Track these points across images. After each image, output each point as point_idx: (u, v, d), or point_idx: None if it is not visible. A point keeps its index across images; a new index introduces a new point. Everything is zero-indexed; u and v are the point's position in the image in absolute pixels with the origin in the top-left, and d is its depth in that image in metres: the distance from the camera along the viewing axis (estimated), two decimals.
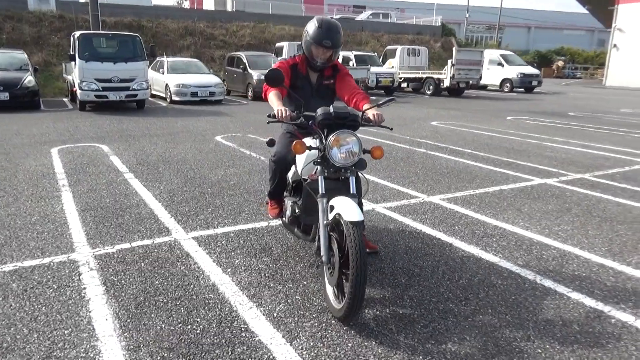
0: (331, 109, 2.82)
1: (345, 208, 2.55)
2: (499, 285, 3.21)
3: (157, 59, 16.54)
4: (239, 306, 2.86)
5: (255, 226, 4.24)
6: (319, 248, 2.78)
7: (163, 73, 15.84)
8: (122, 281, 3.16)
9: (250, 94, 16.88)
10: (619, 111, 15.84)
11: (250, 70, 16.78)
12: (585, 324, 2.77)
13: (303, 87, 3.35)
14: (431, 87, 20.78)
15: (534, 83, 23.82)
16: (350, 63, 20.27)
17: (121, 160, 6.79)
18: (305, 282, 3.18)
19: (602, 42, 70.44)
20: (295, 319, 2.74)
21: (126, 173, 6.08)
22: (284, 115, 2.90)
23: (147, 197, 5.03)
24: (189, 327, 2.63)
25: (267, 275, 3.28)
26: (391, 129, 3.19)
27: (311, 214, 3.02)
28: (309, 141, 3.09)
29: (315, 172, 2.95)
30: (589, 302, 3.02)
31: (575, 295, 3.10)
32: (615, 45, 34.83)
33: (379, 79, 19.53)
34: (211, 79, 15.79)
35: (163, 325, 2.64)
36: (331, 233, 2.73)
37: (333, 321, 2.72)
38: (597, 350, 2.51)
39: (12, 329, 2.59)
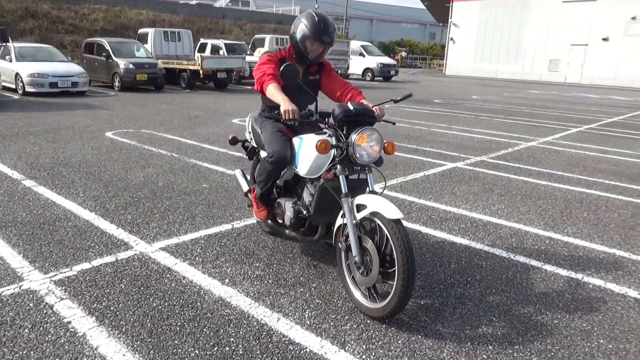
0: (350, 105, 2.75)
1: (382, 206, 2.52)
2: (485, 266, 3.47)
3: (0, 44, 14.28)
4: (266, 318, 2.68)
5: (220, 230, 3.97)
6: (329, 247, 2.71)
7: (10, 61, 13.74)
8: (112, 308, 2.74)
9: (117, 84, 15.49)
10: (472, 98, 17.82)
11: (115, 59, 15.39)
12: (573, 292, 3.12)
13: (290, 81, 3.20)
14: None
15: (392, 72, 25.63)
16: (221, 52, 19.72)
17: (7, 166, 5.79)
18: (314, 285, 3.09)
19: (433, 35, 78.33)
20: (331, 323, 2.66)
21: (25, 180, 5.21)
22: (292, 115, 2.75)
23: (72, 207, 4.39)
24: (227, 349, 2.40)
25: (270, 282, 3.11)
26: (394, 124, 3.21)
27: (324, 214, 2.94)
28: (311, 137, 2.97)
29: (330, 171, 2.86)
30: (562, 272, 3.42)
31: (548, 268, 3.48)
32: (452, 39, 38.96)
33: (252, 68, 19.23)
34: (72, 67, 14.13)
35: (197, 352, 2.37)
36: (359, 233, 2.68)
37: (367, 320, 2.69)
38: (597, 314, 2.86)
39: None
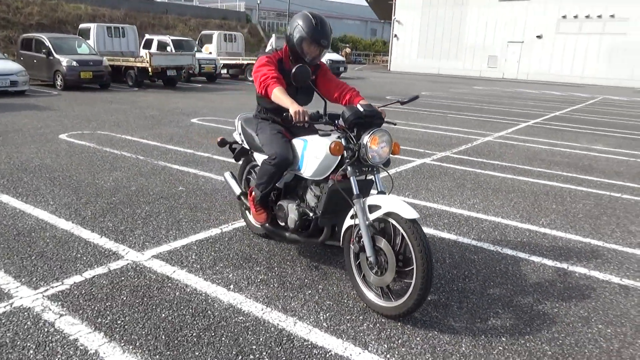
0: (359, 107, 2.77)
1: (397, 207, 2.56)
2: (478, 260, 3.59)
3: None
4: (282, 323, 2.66)
5: (210, 234, 3.89)
6: (336, 247, 2.73)
7: None
8: (119, 321, 2.63)
9: (59, 82, 14.71)
10: (422, 94, 18.28)
11: (57, 56, 14.60)
12: (563, 281, 3.30)
13: (288, 83, 3.18)
14: None
15: (341, 69, 25.83)
16: (168, 48, 19.16)
17: None
18: (320, 286, 3.09)
19: (374, 31, 79.69)
20: (347, 324, 2.68)
21: None
22: (302, 118, 2.74)
23: (45, 216, 4.15)
24: (252, 357, 2.37)
25: (276, 285, 3.09)
26: (395, 125, 3.25)
27: (331, 215, 2.95)
28: (317, 139, 2.97)
29: (336, 173, 2.87)
30: (549, 262, 3.60)
31: (535, 259, 3.65)
32: (395, 36, 39.77)
33: (202, 66, 18.88)
34: (10, 65, 13.28)
35: None
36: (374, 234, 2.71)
37: (382, 319, 2.73)
38: (589, 301, 3.05)
39: None
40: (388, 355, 2.41)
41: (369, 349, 2.46)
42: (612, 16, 29.58)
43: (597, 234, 4.23)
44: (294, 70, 2.71)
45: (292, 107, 2.78)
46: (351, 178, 2.77)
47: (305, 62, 3.15)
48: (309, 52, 3.10)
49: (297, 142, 3.13)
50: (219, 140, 3.86)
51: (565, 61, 31.88)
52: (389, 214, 2.60)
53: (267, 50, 17.12)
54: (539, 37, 32.66)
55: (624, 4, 28.83)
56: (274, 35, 20.73)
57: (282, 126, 3.30)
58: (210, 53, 21.37)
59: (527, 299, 3.04)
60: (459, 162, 6.87)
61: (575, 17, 31.03)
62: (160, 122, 9.44)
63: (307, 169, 2.99)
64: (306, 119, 2.73)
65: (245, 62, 21.28)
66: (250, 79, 20.60)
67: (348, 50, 55.53)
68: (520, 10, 33.11)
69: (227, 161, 6.32)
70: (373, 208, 2.68)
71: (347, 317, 2.74)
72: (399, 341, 2.53)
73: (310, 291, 3.02)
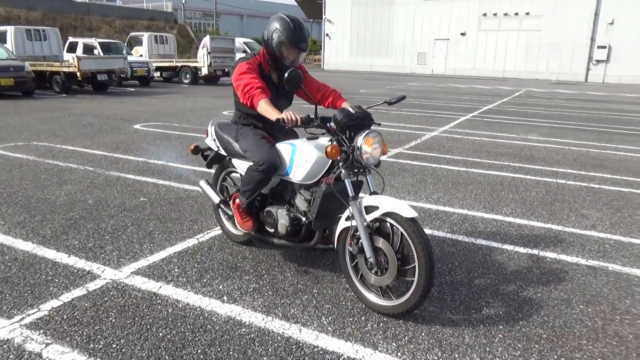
0: (350, 109, 2.78)
1: (396, 206, 2.60)
2: (457, 252, 3.72)
3: None
4: (287, 331, 2.62)
5: (188, 245, 3.76)
6: (328, 250, 2.75)
7: None
8: (114, 345, 2.49)
9: None
10: (360, 91, 18.60)
11: None
12: (538, 267, 3.49)
13: (268, 87, 3.13)
14: (188, 75, 20.37)
15: None
16: (95, 52, 18.25)
17: None
18: (315, 290, 3.08)
19: None
20: (352, 326, 2.69)
21: None
22: (293, 119, 2.71)
23: None
24: None
25: (270, 293, 3.04)
26: (379, 125, 3.28)
27: (324, 219, 2.94)
28: (306, 143, 2.96)
29: (328, 176, 2.87)
30: (521, 250, 3.79)
31: (507, 247, 3.84)
32: (327, 34, 40.16)
33: (134, 69, 18.13)
34: None
35: None
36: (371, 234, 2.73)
37: (383, 318, 2.77)
38: (566, 283, 3.25)
39: None
40: (399, 354, 2.44)
41: (379, 349, 2.48)
42: (528, 14, 31.47)
43: (555, 219, 4.50)
44: (287, 75, 2.67)
45: (281, 114, 2.74)
46: (345, 180, 2.77)
47: (284, 66, 3.11)
48: (288, 55, 3.07)
49: (283, 147, 3.09)
50: (192, 147, 3.73)
51: (487, 56, 33.55)
52: (387, 214, 2.63)
53: (199, 50, 16.65)
54: (462, 34, 34.15)
55: (538, 3, 30.77)
56: (208, 36, 20.27)
57: (264, 131, 3.25)
58: (141, 55, 20.57)
59: (511, 286, 3.18)
60: (413, 157, 7.06)
61: (495, 14, 32.72)
62: (100, 129, 8.97)
63: (297, 173, 2.97)
64: (298, 123, 2.71)
65: (179, 64, 20.67)
66: (186, 81, 20.08)
67: None
68: (445, 8, 34.47)
69: (184, 168, 6.14)
70: (370, 209, 2.70)
71: (350, 319, 2.75)
72: (406, 338, 2.58)
73: (306, 296, 3.00)
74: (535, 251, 3.76)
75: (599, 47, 28.99)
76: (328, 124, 2.80)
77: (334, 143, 2.72)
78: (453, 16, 34.18)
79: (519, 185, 5.66)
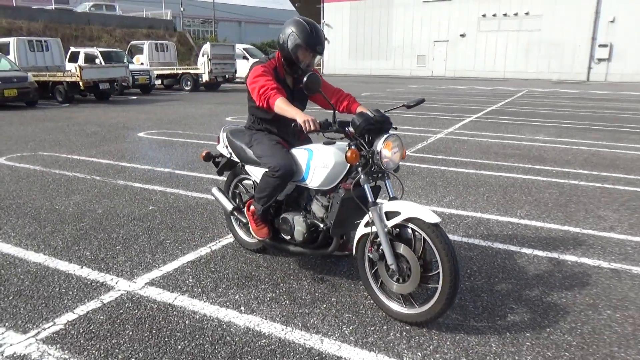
0: (369, 113, 2.72)
1: (418, 212, 2.54)
2: (475, 257, 3.65)
3: None
4: (308, 342, 2.56)
5: (200, 255, 3.70)
6: (344, 257, 2.69)
7: None
8: (132, 359, 2.42)
9: None
10: (362, 95, 18.57)
11: None
12: (559, 270, 3.42)
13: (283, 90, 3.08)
14: (189, 82, 20.35)
15: None
16: (97, 61, 18.26)
17: None
18: (333, 299, 3.01)
19: None
20: (375, 335, 2.62)
21: None
22: (311, 125, 2.66)
23: (9, 249, 3.79)
24: None
25: (287, 302, 2.97)
26: (396, 129, 3.22)
27: (344, 225, 2.89)
28: (324, 148, 2.90)
29: (346, 181, 2.81)
30: (540, 253, 3.72)
31: (526, 251, 3.77)
32: (326, 39, 40.15)
33: (135, 77, 18.11)
34: None
35: None
36: (393, 240, 2.67)
37: (406, 327, 2.70)
38: (590, 287, 3.17)
39: None
40: None
41: (405, 359, 2.41)
42: (527, 14, 31.44)
43: (572, 221, 4.43)
44: (305, 79, 2.62)
45: (299, 116, 2.69)
46: (365, 186, 2.71)
47: (300, 69, 3.07)
48: (304, 59, 3.02)
49: (299, 152, 3.03)
50: (203, 154, 3.68)
51: (487, 57, 33.51)
52: (409, 220, 2.57)
53: (199, 57, 16.64)
54: (462, 35, 34.13)
55: (537, 2, 30.76)
56: (208, 43, 20.28)
57: (279, 136, 3.20)
58: (142, 64, 20.58)
59: (533, 291, 3.11)
60: (420, 160, 7.00)
61: (494, 15, 32.70)
62: (105, 138, 8.93)
63: (314, 179, 2.91)
64: (317, 127, 2.65)
65: (180, 71, 20.67)
66: (187, 88, 20.07)
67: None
68: (444, 10, 34.47)
69: (192, 175, 6.08)
70: (390, 214, 2.64)
71: (372, 329, 2.68)
72: (431, 347, 2.51)
73: (325, 305, 2.93)
74: (555, 254, 3.69)
75: (600, 45, 28.94)
76: (346, 129, 2.74)
77: (354, 148, 2.66)
78: (452, 18, 34.18)
79: (530, 187, 5.59)
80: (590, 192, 5.39)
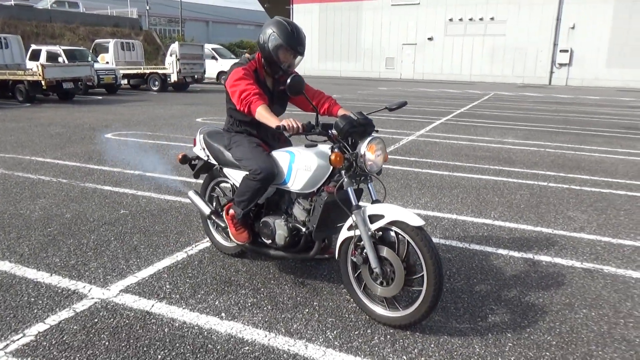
0: (353, 115, 2.70)
1: (402, 215, 2.54)
2: (453, 259, 3.69)
3: None
4: (292, 347, 2.52)
5: (177, 260, 3.60)
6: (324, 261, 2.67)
7: None
8: None
9: None
10: (333, 97, 18.53)
11: None
12: (535, 271, 3.49)
13: (263, 93, 3.03)
14: (157, 82, 19.97)
15: None
16: (60, 59, 17.70)
17: None
18: (315, 303, 2.98)
19: None
20: (359, 340, 2.60)
21: None
22: (294, 126, 2.63)
23: None
24: None
25: (269, 308, 2.93)
26: (377, 131, 3.21)
27: (325, 229, 2.86)
28: (305, 151, 2.87)
29: (331, 184, 2.79)
30: (515, 254, 3.79)
31: (502, 252, 3.83)
32: None
33: (100, 77, 17.64)
34: None
35: None
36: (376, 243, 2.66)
37: (390, 330, 2.69)
38: (565, 287, 3.24)
39: None
40: None
41: None
42: (492, 19, 32.20)
43: (543, 222, 4.53)
44: (289, 81, 2.58)
45: (281, 121, 2.65)
46: (348, 189, 2.69)
47: (281, 70, 3.03)
48: (285, 59, 2.98)
49: (280, 155, 2.99)
50: (180, 156, 3.60)
51: (454, 61, 34.14)
52: (393, 223, 2.56)
53: (167, 57, 16.35)
54: (430, 39, 34.67)
55: (502, 8, 31.54)
56: (176, 42, 19.95)
57: (259, 139, 3.15)
58: (107, 63, 20.07)
59: (512, 292, 3.16)
60: (394, 162, 7.05)
61: (461, 20, 33.36)
62: (70, 139, 8.65)
63: (296, 182, 2.87)
64: (300, 130, 2.61)
65: (147, 71, 20.25)
66: (155, 88, 19.68)
67: (248, 55, 54.95)
68: (411, 14, 34.94)
69: (164, 178, 5.94)
70: (374, 218, 2.63)
71: (356, 333, 2.66)
72: (416, 350, 2.51)
73: (307, 309, 2.90)
74: (529, 255, 3.76)
75: (561, 50, 29.90)
76: (330, 131, 2.72)
77: (337, 150, 2.64)
78: (420, 21, 34.68)
79: (502, 188, 5.69)
80: (559, 193, 5.53)
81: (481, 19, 32.63)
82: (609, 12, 28.22)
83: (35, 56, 18.16)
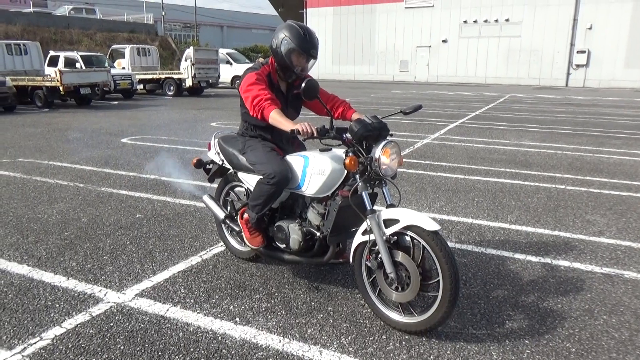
0: (367, 119, 2.69)
1: (418, 219, 2.51)
2: (469, 263, 3.64)
3: None
4: (307, 353, 2.50)
5: (191, 264, 3.61)
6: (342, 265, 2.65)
7: None
8: None
9: None
10: (347, 101, 18.53)
11: None
12: (553, 276, 3.43)
13: (277, 97, 3.03)
14: (172, 87, 20.15)
15: None
16: (77, 65, 17.96)
17: None
18: (330, 308, 2.96)
19: None
20: (374, 346, 2.58)
21: None
22: (308, 131, 2.62)
23: None
24: None
25: (283, 312, 2.92)
26: (392, 135, 3.19)
27: (341, 233, 2.85)
28: (320, 155, 2.86)
29: (345, 188, 2.78)
30: (533, 259, 3.73)
31: (519, 256, 3.77)
32: None
33: (117, 82, 17.87)
34: None
35: None
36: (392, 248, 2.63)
37: (405, 336, 2.66)
38: (585, 293, 3.18)
39: None
40: None
41: None
42: (507, 20, 31.93)
43: (561, 226, 4.46)
44: (304, 85, 2.58)
45: (295, 125, 2.64)
46: (363, 193, 2.68)
47: (295, 74, 3.03)
48: (298, 63, 2.98)
49: (294, 159, 2.98)
50: (194, 161, 3.61)
51: (469, 63, 33.91)
52: (408, 227, 2.54)
53: (182, 62, 16.50)
54: (444, 41, 34.49)
55: (517, 9, 31.26)
56: (191, 47, 20.13)
57: (273, 143, 3.15)
58: (124, 68, 20.32)
59: (529, 297, 3.11)
60: (409, 165, 7.00)
61: (475, 21, 33.13)
62: (87, 144, 8.76)
63: (311, 186, 2.86)
64: (314, 134, 2.61)
65: (163, 76, 20.45)
66: (170, 93, 19.87)
67: (262, 60, 55.19)
68: (425, 16, 34.81)
69: (179, 182, 5.98)
70: (389, 222, 2.60)
71: (370, 338, 2.64)
72: (432, 357, 2.47)
73: (321, 315, 2.88)
74: (547, 260, 3.69)
75: (578, 51, 29.50)
76: (344, 135, 2.70)
77: (352, 154, 2.63)
78: (434, 23, 34.53)
79: (519, 192, 5.62)
80: (577, 196, 5.44)
81: (496, 21, 32.36)
82: (627, 11, 27.80)
83: (53, 62, 18.46)
